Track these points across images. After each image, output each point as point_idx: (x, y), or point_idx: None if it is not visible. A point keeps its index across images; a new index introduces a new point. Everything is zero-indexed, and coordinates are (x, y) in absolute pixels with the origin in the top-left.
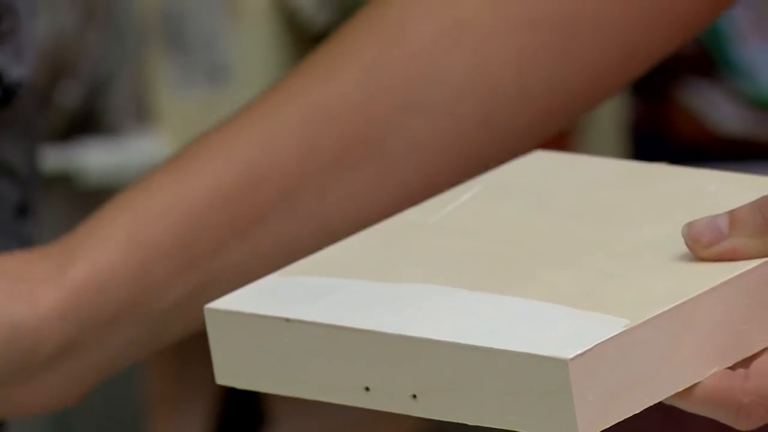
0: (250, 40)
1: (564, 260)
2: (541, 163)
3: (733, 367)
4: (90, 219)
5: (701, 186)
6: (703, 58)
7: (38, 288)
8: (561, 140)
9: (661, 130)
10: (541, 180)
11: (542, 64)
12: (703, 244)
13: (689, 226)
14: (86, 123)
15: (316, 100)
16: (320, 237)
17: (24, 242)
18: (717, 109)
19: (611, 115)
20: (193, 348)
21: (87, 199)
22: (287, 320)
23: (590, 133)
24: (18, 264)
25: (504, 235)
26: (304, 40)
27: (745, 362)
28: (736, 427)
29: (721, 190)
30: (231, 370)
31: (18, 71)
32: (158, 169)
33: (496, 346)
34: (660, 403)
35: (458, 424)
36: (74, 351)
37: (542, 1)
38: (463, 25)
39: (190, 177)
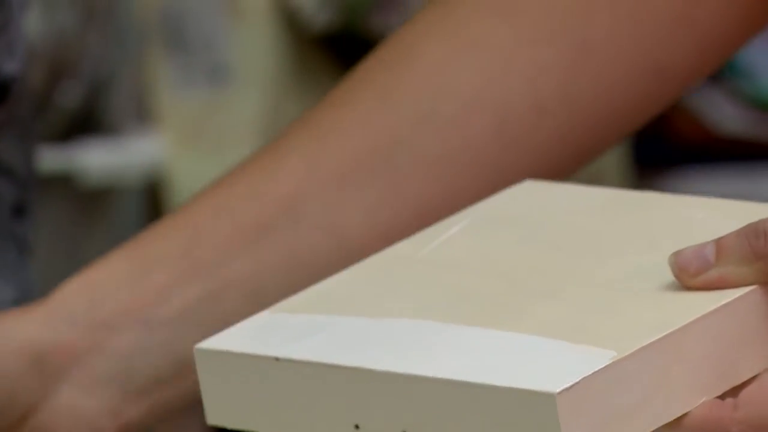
0: (250, 40)
1: (552, 293)
2: (529, 193)
3: (722, 397)
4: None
5: (688, 213)
6: None
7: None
8: None
9: (661, 130)
10: (530, 211)
11: (556, 78)
12: (691, 273)
13: (676, 255)
14: (86, 123)
15: (324, 120)
16: (330, 248)
17: (20, 242)
18: (717, 109)
19: None
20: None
21: (87, 199)
22: (277, 359)
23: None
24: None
25: (492, 269)
26: (304, 40)
27: (734, 391)
28: None
29: (708, 218)
30: (222, 410)
31: (11, 66)
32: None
33: (484, 381)
34: None
35: None
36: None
37: (555, 19)
38: (475, 42)
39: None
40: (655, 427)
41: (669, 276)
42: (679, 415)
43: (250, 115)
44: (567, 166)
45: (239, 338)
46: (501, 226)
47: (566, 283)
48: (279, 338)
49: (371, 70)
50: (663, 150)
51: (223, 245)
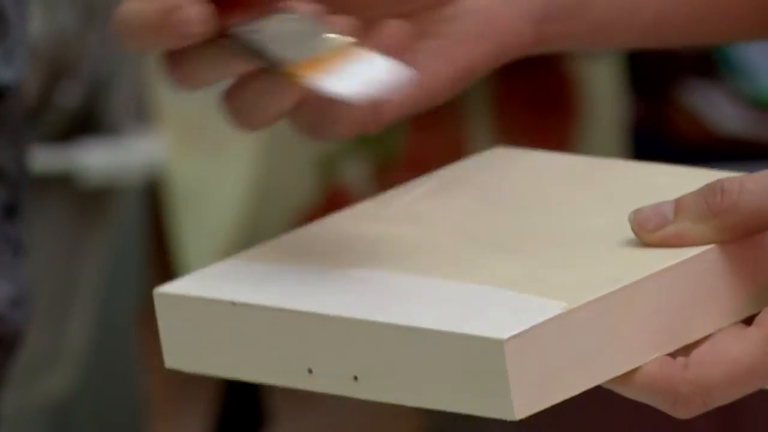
0: None
1: (509, 249)
2: (498, 158)
3: (673, 355)
4: None
5: (653, 180)
6: (703, 58)
7: None
8: (561, 140)
9: (661, 130)
10: (496, 175)
11: None
12: (649, 229)
13: (636, 212)
14: (86, 123)
15: None
16: None
17: (12, 243)
18: (717, 109)
19: (611, 115)
20: None
21: (87, 199)
22: (233, 303)
23: (590, 133)
24: None
25: (453, 227)
26: None
27: (686, 350)
28: (674, 415)
29: (672, 183)
30: (179, 354)
31: (8, 74)
32: None
33: (433, 327)
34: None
35: (458, 425)
36: None
37: None
38: None
39: None
40: (603, 380)
41: (628, 234)
42: (629, 369)
43: None
44: (552, 148)
45: (198, 283)
46: (466, 189)
47: (525, 240)
48: (237, 284)
49: None
50: (663, 149)
51: None
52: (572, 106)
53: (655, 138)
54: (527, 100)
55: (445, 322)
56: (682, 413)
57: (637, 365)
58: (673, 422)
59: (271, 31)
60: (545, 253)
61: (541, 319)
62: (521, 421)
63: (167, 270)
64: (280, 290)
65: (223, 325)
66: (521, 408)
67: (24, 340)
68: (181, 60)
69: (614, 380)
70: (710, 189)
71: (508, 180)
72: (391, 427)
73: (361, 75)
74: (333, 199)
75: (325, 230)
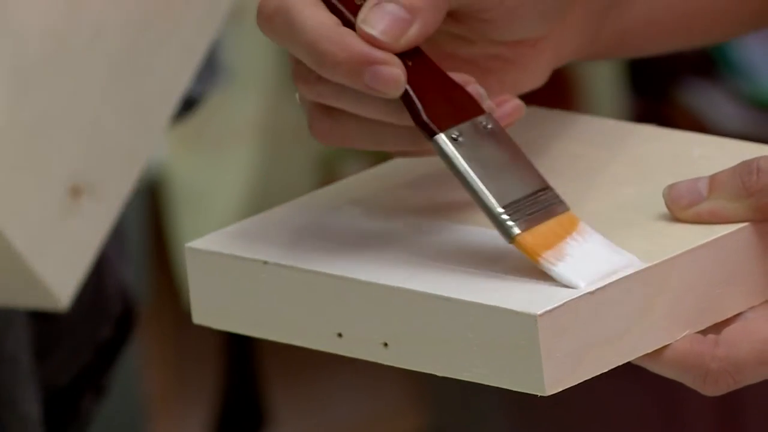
0: (250, 40)
1: None
2: (532, 119)
3: (704, 332)
4: None
5: (687, 150)
6: (703, 58)
7: None
8: None
9: None
10: (530, 137)
11: None
12: (682, 206)
13: (670, 187)
14: None
15: None
16: None
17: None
18: (717, 109)
19: (611, 114)
20: (193, 348)
21: None
22: (265, 263)
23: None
24: None
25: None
26: None
27: (717, 327)
28: (703, 392)
29: (705, 155)
30: (208, 311)
31: (198, 86)
32: None
33: (467, 299)
34: (662, 400)
35: (458, 425)
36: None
37: None
38: None
39: None
40: (635, 357)
41: (660, 208)
42: (660, 346)
43: (250, 115)
44: None
45: (231, 240)
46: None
47: None
48: (270, 243)
49: None
50: None
51: None
52: (572, 105)
53: None
54: (527, 100)
55: (478, 294)
56: (711, 390)
57: (667, 342)
58: (671, 417)
59: (474, 153)
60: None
61: (574, 294)
62: (521, 418)
63: (167, 270)
64: (313, 251)
65: (254, 284)
66: (552, 383)
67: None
68: (338, 116)
69: (644, 357)
70: (746, 167)
71: (541, 143)
72: (390, 427)
73: (591, 262)
74: None
75: (358, 189)
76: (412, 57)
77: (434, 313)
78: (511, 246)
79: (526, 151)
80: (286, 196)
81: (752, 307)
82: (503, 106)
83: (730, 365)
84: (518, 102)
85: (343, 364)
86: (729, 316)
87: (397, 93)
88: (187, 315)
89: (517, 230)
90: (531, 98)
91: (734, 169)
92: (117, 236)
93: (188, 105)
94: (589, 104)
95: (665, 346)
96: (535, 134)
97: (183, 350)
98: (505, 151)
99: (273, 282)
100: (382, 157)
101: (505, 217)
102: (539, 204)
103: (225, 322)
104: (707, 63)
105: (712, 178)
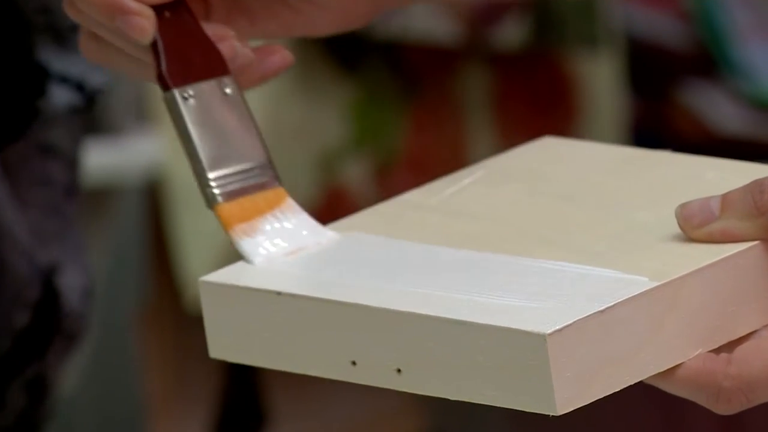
0: (250, 40)
1: (554, 241)
2: (547, 148)
3: (717, 351)
4: None
5: (700, 173)
6: (703, 58)
7: None
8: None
9: (661, 130)
10: (544, 165)
11: None
12: (694, 225)
13: (682, 206)
14: (86, 123)
15: None
16: None
17: (69, 222)
18: (717, 109)
19: (611, 114)
20: (193, 348)
21: (87, 199)
22: (278, 293)
23: (590, 133)
24: None
25: (499, 217)
26: (305, 40)
27: (730, 346)
28: (716, 411)
29: (719, 178)
30: (224, 344)
31: (97, 78)
32: None
33: (476, 321)
34: (662, 403)
35: (458, 425)
36: None
37: None
38: None
39: None
40: (647, 376)
41: (674, 229)
42: (672, 365)
43: None
44: None
45: (243, 272)
46: (513, 178)
47: (570, 232)
48: (282, 274)
49: None
50: (663, 149)
51: None
52: (572, 105)
53: (655, 137)
54: (527, 100)
55: (488, 316)
56: (725, 409)
57: (680, 361)
58: (672, 418)
59: (202, 114)
60: (589, 246)
61: (584, 313)
62: (521, 418)
63: (167, 270)
64: (325, 281)
65: (268, 315)
66: (563, 403)
67: (86, 332)
68: (102, 40)
69: (656, 376)
70: (757, 186)
71: (556, 171)
72: (390, 427)
73: (278, 239)
74: (333, 199)
75: (371, 219)
76: (172, 8)
77: (445, 336)
78: (522, 270)
79: (540, 181)
80: None
81: (766, 326)
82: (270, 57)
83: (743, 383)
84: (286, 53)
85: None
86: (742, 334)
87: (145, 42)
88: (187, 315)
89: (219, 199)
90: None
91: (746, 188)
92: (67, 239)
93: (91, 96)
94: (589, 104)
95: (677, 365)
96: (551, 163)
97: (183, 350)
98: (237, 119)
99: (287, 312)
100: (382, 158)
101: (212, 184)
102: (252, 177)
103: (241, 355)
104: (707, 63)
105: (724, 197)
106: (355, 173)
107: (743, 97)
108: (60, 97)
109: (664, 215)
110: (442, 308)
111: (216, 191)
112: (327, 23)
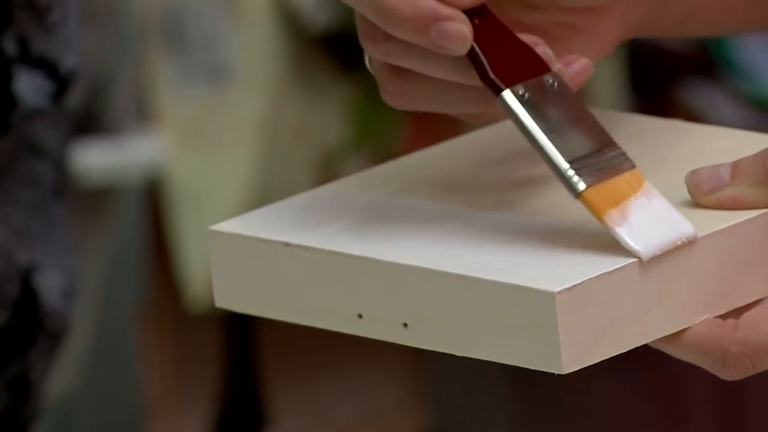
0: (250, 40)
1: (565, 205)
2: None
3: (723, 317)
4: None
5: (712, 142)
6: (703, 58)
7: None
8: None
9: None
10: None
11: None
12: (704, 191)
13: (692, 173)
14: (86, 123)
15: None
16: None
17: (56, 225)
18: (717, 109)
19: None
20: (193, 348)
21: (87, 199)
22: (286, 245)
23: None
24: None
25: (508, 180)
26: (304, 40)
27: (737, 312)
28: (721, 376)
29: (731, 147)
30: (230, 294)
31: (71, 60)
32: None
33: (485, 277)
34: (663, 397)
35: (458, 425)
36: None
37: None
38: None
39: None
40: (653, 338)
41: (684, 195)
42: (678, 329)
43: (250, 115)
44: None
45: (253, 223)
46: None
47: None
48: (291, 225)
49: None
50: None
51: None
52: None
53: None
54: None
55: (497, 273)
56: (730, 374)
57: (687, 325)
58: (672, 418)
59: (540, 110)
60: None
61: (593, 273)
62: (521, 418)
63: (167, 270)
64: (334, 234)
65: (276, 266)
66: (570, 362)
67: (71, 333)
68: (407, 77)
69: (663, 340)
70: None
71: None
72: (390, 427)
73: (652, 227)
74: None
75: (380, 175)
76: (478, 15)
77: (453, 292)
78: (533, 228)
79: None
80: (286, 196)
81: None
82: (572, 65)
83: (749, 349)
84: (587, 61)
85: (343, 364)
86: (749, 301)
87: (464, 50)
88: (187, 315)
89: (582, 185)
90: None
91: (757, 155)
92: (51, 240)
93: (64, 84)
94: (589, 104)
95: (684, 330)
96: None
97: (183, 350)
98: (572, 108)
99: (294, 264)
100: (382, 158)
101: (571, 172)
102: (605, 161)
103: (247, 305)
104: (707, 63)
105: (735, 165)
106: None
107: (743, 97)
108: (31, 83)
109: (675, 182)
110: (451, 264)
111: (577, 178)
112: (585, 49)
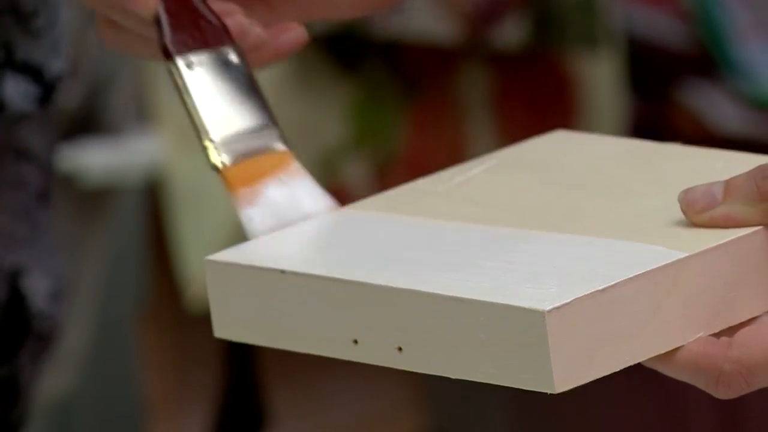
0: None
1: (557, 226)
2: (558, 141)
3: (717, 335)
4: None
5: (708, 163)
6: (703, 58)
7: None
8: None
9: (661, 130)
10: (554, 156)
11: None
12: (697, 210)
13: (686, 192)
14: (86, 123)
15: None
16: None
17: (43, 228)
18: (717, 109)
19: (611, 114)
20: (193, 348)
21: (87, 199)
22: (282, 272)
23: (590, 133)
24: None
25: (505, 203)
26: None
27: (731, 331)
28: (715, 395)
29: (728, 168)
30: (228, 323)
31: (57, 65)
32: None
33: (475, 298)
34: (662, 396)
35: (459, 423)
36: None
37: None
38: None
39: None
40: (646, 357)
41: (678, 215)
42: (672, 348)
43: None
44: None
45: (248, 251)
46: (523, 168)
47: (573, 218)
48: (287, 253)
49: None
50: None
51: None
52: (572, 105)
53: (655, 138)
54: (527, 100)
55: (487, 293)
56: (724, 393)
57: (680, 344)
58: (672, 418)
59: (205, 81)
60: (593, 231)
61: (583, 292)
62: (521, 418)
63: (167, 270)
64: (328, 260)
65: (272, 294)
66: (561, 381)
67: (60, 335)
68: (118, 27)
69: (657, 358)
70: (761, 171)
71: (565, 162)
72: (390, 427)
73: (279, 208)
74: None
75: (379, 203)
76: None
77: (445, 314)
78: (522, 247)
79: (551, 170)
80: None
81: (767, 311)
82: (282, 35)
83: (743, 367)
84: (299, 31)
85: (344, 365)
86: (743, 319)
87: (147, 14)
88: (187, 315)
89: (220, 161)
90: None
91: (749, 173)
92: (37, 244)
93: (50, 89)
94: (589, 104)
95: (677, 348)
96: (562, 154)
97: (183, 350)
98: (241, 85)
99: (290, 291)
100: (382, 158)
101: (215, 146)
102: (259, 139)
103: (244, 335)
104: (707, 63)
105: (727, 183)
106: (355, 173)
107: (743, 97)
108: (16, 87)
109: (670, 202)
110: (443, 286)
111: (219, 154)
112: (346, 6)
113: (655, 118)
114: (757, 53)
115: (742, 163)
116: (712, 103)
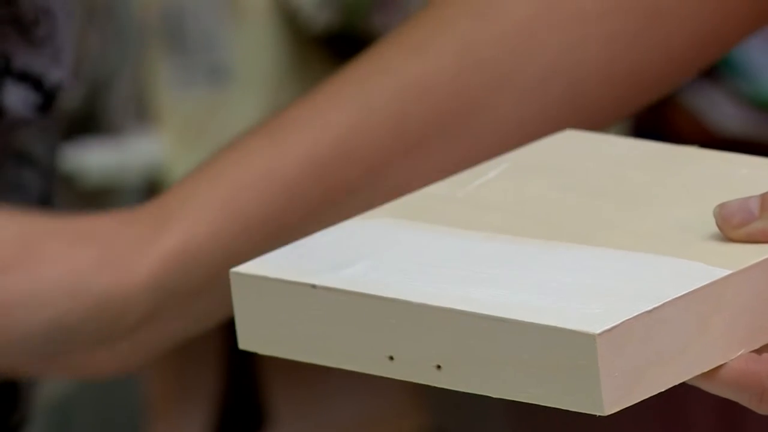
0: (250, 40)
1: (590, 238)
2: (570, 141)
3: (759, 351)
4: (180, 184)
5: (732, 169)
6: None
7: (129, 257)
8: None
9: (661, 130)
10: (570, 159)
11: (628, 48)
12: (734, 225)
13: (721, 206)
14: (86, 123)
15: (409, 73)
16: None
17: None
18: (717, 109)
19: None
20: (193, 348)
21: (87, 199)
22: (313, 287)
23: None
24: (108, 228)
25: (527, 212)
26: (304, 40)
27: None
28: (758, 411)
29: (751, 174)
30: (254, 336)
31: (57, 74)
32: (248, 136)
33: (522, 319)
34: (660, 400)
35: (458, 425)
36: (156, 320)
37: None
38: (557, 5)
39: (283, 147)
40: (691, 376)
41: (712, 227)
42: (715, 365)
43: (250, 115)
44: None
45: (277, 264)
46: (540, 172)
47: (604, 230)
48: (317, 266)
49: (453, 15)
50: None
51: (309, 207)
52: None
53: (655, 138)
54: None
55: (533, 314)
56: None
57: (723, 361)
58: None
59: None
60: (629, 245)
61: (632, 313)
62: (521, 418)
63: None
64: (361, 274)
65: (302, 308)
66: (610, 403)
67: None
68: None
69: (700, 377)
70: None
71: (582, 165)
72: (390, 427)
73: None
74: None
75: (398, 212)
76: None
77: (488, 334)
78: (564, 264)
79: (568, 175)
80: None
81: None
82: None
83: None
84: None
85: None
86: None
87: None
88: None
89: None
90: None
91: None
92: None
93: (49, 98)
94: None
95: (720, 366)
96: (574, 157)
97: (183, 350)
98: None
99: (321, 306)
100: None
101: None
102: None
103: (272, 348)
104: None
105: (763, 197)
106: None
107: (743, 97)
108: (17, 95)
109: (701, 213)
110: (486, 305)
111: None
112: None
113: (655, 118)
114: (757, 53)
115: (765, 168)
116: (712, 103)
